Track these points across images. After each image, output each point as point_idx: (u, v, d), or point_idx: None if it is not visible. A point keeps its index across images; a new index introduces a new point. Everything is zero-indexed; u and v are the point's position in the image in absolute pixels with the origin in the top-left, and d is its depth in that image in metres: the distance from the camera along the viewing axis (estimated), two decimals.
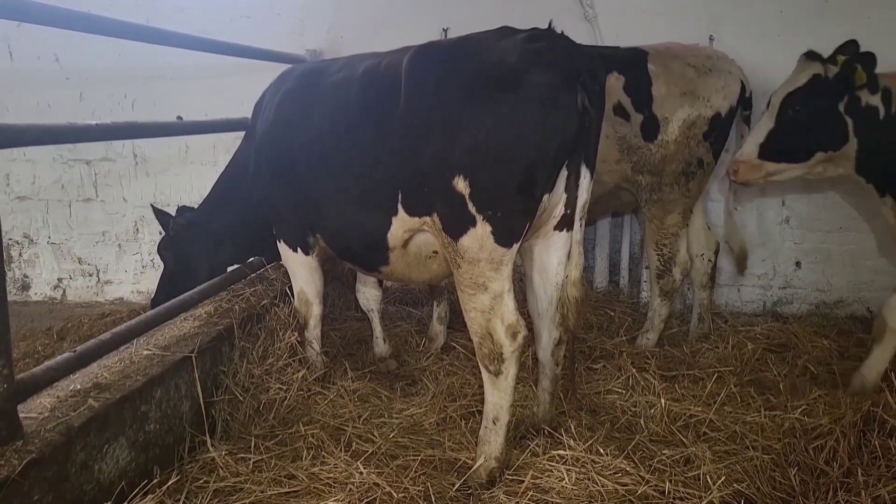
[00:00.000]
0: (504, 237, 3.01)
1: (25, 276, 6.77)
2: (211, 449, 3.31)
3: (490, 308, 3.08)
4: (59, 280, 6.79)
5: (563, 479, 3.03)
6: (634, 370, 4.11)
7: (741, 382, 4.07)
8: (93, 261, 6.72)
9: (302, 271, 4.11)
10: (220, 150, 6.29)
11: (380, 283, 4.66)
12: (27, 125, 2.69)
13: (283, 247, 4.11)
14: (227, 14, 6.15)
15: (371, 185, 3.34)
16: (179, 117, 4.27)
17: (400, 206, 3.25)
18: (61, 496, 2.52)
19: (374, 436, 3.54)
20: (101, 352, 3.07)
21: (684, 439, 3.45)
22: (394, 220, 3.31)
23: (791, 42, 4.69)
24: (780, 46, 4.98)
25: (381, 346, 4.64)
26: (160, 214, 4.59)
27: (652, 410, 3.72)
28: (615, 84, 4.44)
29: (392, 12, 5.89)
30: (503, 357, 3.09)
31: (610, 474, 3.08)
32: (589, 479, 3.04)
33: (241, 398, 3.67)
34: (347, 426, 3.61)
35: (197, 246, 4.50)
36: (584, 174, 3.18)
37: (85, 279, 6.74)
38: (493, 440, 3.19)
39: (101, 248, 6.68)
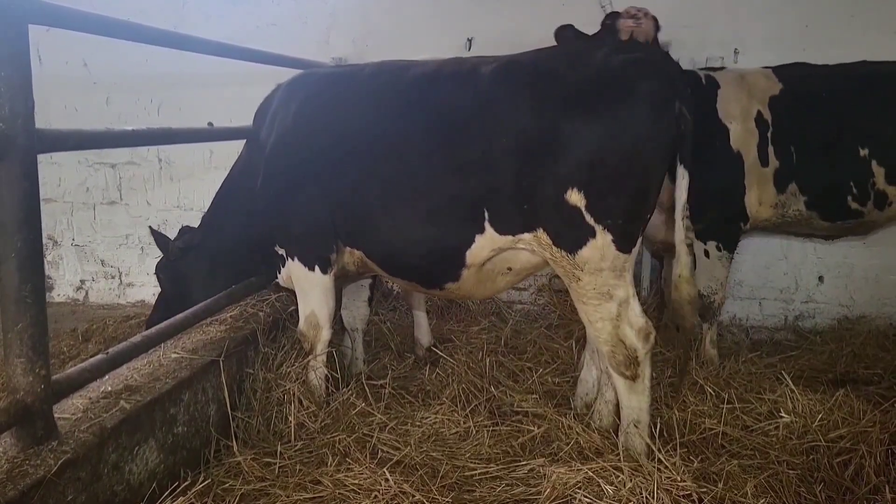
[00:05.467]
0: (625, 243, 3.05)
1: (49, 277, 6.84)
2: (237, 453, 3.33)
3: (617, 315, 3.13)
4: (82, 282, 6.87)
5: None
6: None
7: (762, 395, 4.05)
8: (115, 263, 6.81)
9: (316, 292, 3.81)
10: None
11: (369, 301, 4.57)
12: (68, 130, 2.73)
13: (295, 265, 3.82)
14: (253, 22, 6.21)
15: (446, 200, 3.27)
16: (210, 123, 4.28)
17: (487, 224, 3.22)
18: (94, 496, 2.55)
19: (399, 443, 3.55)
20: (132, 354, 3.10)
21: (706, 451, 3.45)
22: (478, 238, 3.26)
23: (816, 56, 4.70)
24: (806, 61, 4.95)
25: (360, 366, 4.51)
26: (159, 237, 4.36)
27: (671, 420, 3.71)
28: None
29: (417, 22, 5.94)
30: (638, 360, 3.15)
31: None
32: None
33: (265, 403, 3.70)
34: (373, 434, 3.62)
35: (197, 268, 4.25)
36: (684, 175, 3.19)
37: (107, 281, 6.81)
38: (637, 443, 3.23)
39: (123, 250, 6.77)
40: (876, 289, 5.48)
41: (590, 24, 5.49)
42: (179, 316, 3.55)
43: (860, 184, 4.42)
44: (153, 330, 3.31)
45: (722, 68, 4.75)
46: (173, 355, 3.42)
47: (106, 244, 6.78)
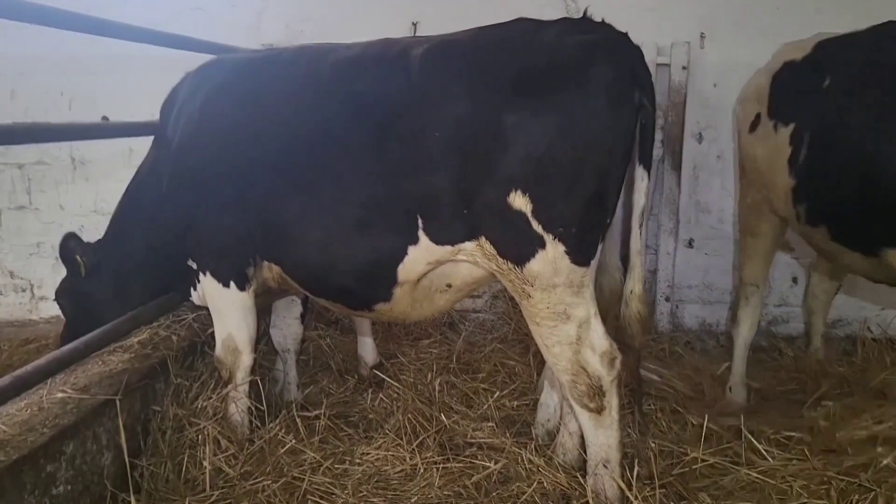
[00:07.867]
0: (582, 255, 2.64)
1: None
2: None
3: (577, 338, 2.71)
4: None
5: None
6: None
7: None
8: (26, 275, 6.11)
9: (233, 312, 3.36)
10: None
11: (302, 318, 4.08)
12: None
13: (208, 281, 3.36)
14: (176, 5, 5.62)
15: (373, 205, 2.84)
16: (105, 118, 3.70)
17: (422, 233, 2.79)
18: None
19: (334, 487, 3.06)
20: None
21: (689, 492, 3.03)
22: (411, 249, 2.83)
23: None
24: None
25: (294, 393, 4.03)
26: (66, 250, 3.65)
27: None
28: None
29: (357, 4, 5.44)
30: (603, 390, 2.73)
31: None
32: None
33: (174, 447, 3.16)
34: (303, 476, 3.11)
35: (101, 289, 3.67)
36: (643, 176, 2.78)
37: (17, 295, 6.13)
38: (608, 485, 2.79)
39: (35, 260, 6.07)
40: (852, 291, 5.15)
41: (546, 6, 5.09)
42: (67, 347, 2.99)
43: None
44: (30, 367, 2.74)
45: None
46: (59, 395, 2.86)
47: (15, 253, 6.08)
